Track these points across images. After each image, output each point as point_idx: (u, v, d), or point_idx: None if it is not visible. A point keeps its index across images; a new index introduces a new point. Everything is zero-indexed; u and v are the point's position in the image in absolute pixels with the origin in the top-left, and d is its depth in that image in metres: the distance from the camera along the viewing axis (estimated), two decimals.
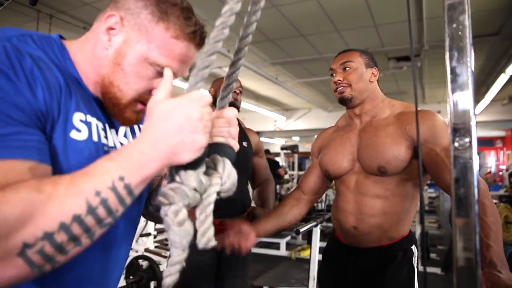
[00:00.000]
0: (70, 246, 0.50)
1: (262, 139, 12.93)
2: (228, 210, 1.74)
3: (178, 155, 0.54)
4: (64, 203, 0.49)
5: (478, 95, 8.05)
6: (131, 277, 2.79)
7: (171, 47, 0.70)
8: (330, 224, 5.66)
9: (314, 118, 10.85)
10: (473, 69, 0.54)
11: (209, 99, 0.58)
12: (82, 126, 0.67)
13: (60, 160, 0.62)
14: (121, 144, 0.79)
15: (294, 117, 11.29)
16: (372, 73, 1.38)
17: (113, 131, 0.78)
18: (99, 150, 0.70)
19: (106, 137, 0.73)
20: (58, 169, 0.61)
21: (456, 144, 0.52)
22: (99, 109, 0.74)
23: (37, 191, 0.49)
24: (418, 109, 1.28)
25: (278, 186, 7.31)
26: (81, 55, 0.73)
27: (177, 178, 0.55)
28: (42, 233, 0.48)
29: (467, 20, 0.54)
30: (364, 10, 4.38)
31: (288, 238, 4.86)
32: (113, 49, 0.70)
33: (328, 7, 4.32)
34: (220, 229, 1.71)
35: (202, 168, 0.56)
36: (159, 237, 3.56)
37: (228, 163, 0.59)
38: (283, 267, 3.83)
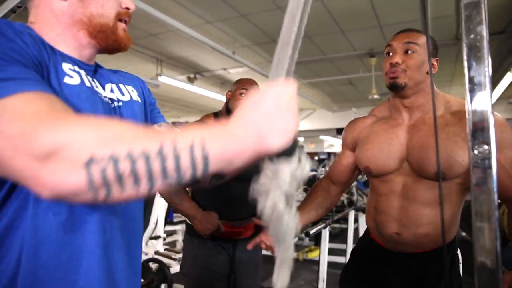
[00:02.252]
0: (130, 181, 0.48)
1: None
2: (239, 213, 1.76)
3: (268, 139, 0.49)
4: (138, 136, 0.49)
5: None
6: (142, 280, 2.82)
7: None
8: (338, 225, 5.65)
9: (319, 118, 10.84)
10: (490, 74, 0.55)
11: (296, 85, 0.56)
12: (73, 73, 0.71)
13: None
14: (110, 99, 0.83)
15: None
16: (433, 64, 1.23)
17: (101, 87, 0.82)
18: (95, 94, 0.75)
19: (97, 87, 0.78)
20: None
21: (475, 152, 0.54)
22: (85, 69, 0.79)
23: (113, 121, 0.52)
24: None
25: None
26: (45, 27, 0.77)
27: (271, 170, 0.51)
28: (109, 154, 0.47)
29: (484, 31, 0.55)
30: (368, 11, 4.39)
31: (296, 239, 4.87)
32: None
33: (333, 8, 4.33)
34: (231, 232, 1.73)
35: (296, 158, 0.52)
36: (169, 240, 3.59)
37: (303, 151, 0.55)
38: (293, 268, 3.84)
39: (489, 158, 0.53)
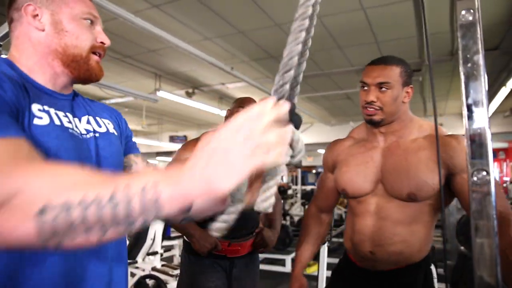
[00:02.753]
0: (81, 229, 0.47)
1: None
2: (236, 231, 1.75)
3: (215, 182, 0.45)
4: (93, 183, 0.49)
5: None
6: None
7: (80, 0, 0.86)
8: (336, 240, 5.63)
9: (317, 132, 10.88)
10: (487, 101, 0.56)
11: (274, 112, 0.47)
12: (42, 114, 0.75)
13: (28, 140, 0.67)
14: (86, 130, 0.86)
15: None
16: (407, 92, 1.28)
17: (76, 119, 0.86)
18: (65, 131, 0.78)
19: (69, 122, 0.82)
20: None
21: (474, 179, 0.54)
22: (59, 102, 0.83)
23: (70, 169, 0.52)
24: (447, 133, 1.26)
25: (282, 202, 7.30)
26: (25, 57, 0.83)
27: None
28: (63, 201, 0.47)
29: (481, 60, 0.56)
30: (365, 27, 4.46)
31: (294, 254, 4.84)
32: (48, 25, 0.83)
33: (330, 24, 4.40)
34: (228, 250, 1.73)
35: (296, 132, 0.51)
36: (166, 255, 3.55)
37: (298, 133, 0.53)
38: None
39: (488, 184, 0.54)
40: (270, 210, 0.51)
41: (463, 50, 0.58)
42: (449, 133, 1.26)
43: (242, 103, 1.85)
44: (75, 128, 0.83)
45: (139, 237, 3.12)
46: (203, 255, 1.66)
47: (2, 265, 0.68)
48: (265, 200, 0.52)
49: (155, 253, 3.27)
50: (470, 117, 0.56)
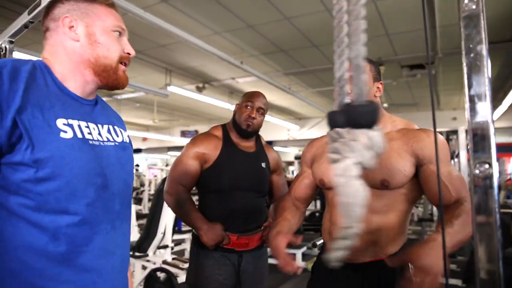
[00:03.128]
0: None
1: (276, 148, 12.92)
2: (245, 225, 1.76)
3: None
4: None
5: (495, 101, 7.92)
6: None
7: (111, 12, 0.94)
8: None
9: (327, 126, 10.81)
10: (490, 90, 0.55)
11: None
12: (67, 128, 0.82)
13: (53, 154, 0.77)
14: (107, 138, 0.93)
15: (307, 126, 11.28)
16: (378, 87, 1.34)
17: (99, 126, 0.93)
18: (85, 143, 0.85)
19: (90, 133, 0.88)
20: (52, 160, 0.77)
21: (476, 171, 0.53)
22: (83, 108, 0.90)
23: None
24: (418, 128, 1.33)
25: None
26: (57, 63, 0.89)
27: (348, 138, 0.48)
28: None
29: (484, 50, 0.55)
30: (376, 19, 4.39)
31: (304, 249, 4.83)
32: (82, 36, 0.89)
33: None
34: (237, 243, 1.74)
35: (374, 129, 0.48)
36: (177, 249, 3.59)
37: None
38: (300, 278, 3.81)
39: (491, 178, 0.53)
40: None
41: (466, 40, 0.56)
42: (419, 128, 1.32)
43: (250, 97, 1.85)
44: (96, 137, 0.90)
45: (150, 231, 3.15)
46: (211, 248, 1.67)
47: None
48: (337, 249, 0.52)
49: (165, 246, 3.30)
50: (472, 108, 0.55)
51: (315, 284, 1.45)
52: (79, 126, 0.86)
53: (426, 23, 0.63)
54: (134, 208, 4.13)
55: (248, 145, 1.87)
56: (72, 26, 0.89)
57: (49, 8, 0.92)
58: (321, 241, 2.34)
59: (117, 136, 0.98)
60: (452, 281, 3.85)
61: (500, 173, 11.61)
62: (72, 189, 0.79)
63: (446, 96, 8.38)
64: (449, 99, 8.66)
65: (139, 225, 4.48)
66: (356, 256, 1.30)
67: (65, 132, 0.81)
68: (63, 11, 0.89)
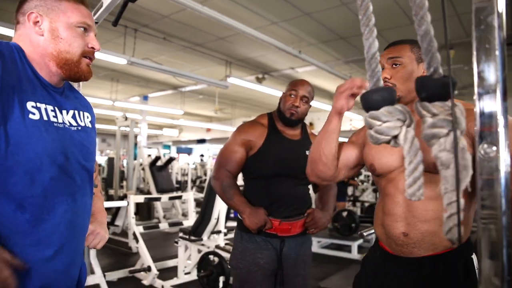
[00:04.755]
0: None
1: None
2: (288, 211, 1.77)
3: None
4: None
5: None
6: (202, 271, 2.96)
7: (77, 9, 1.00)
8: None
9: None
10: (502, 72, 0.51)
11: None
12: (35, 110, 0.92)
13: (22, 132, 0.87)
14: (70, 122, 1.02)
15: None
16: (423, 71, 1.23)
17: (64, 111, 1.02)
18: (51, 125, 0.95)
19: (55, 117, 0.98)
20: (21, 137, 0.87)
21: (482, 152, 0.50)
22: (50, 94, 0.99)
23: None
24: (467, 103, 1.20)
25: (352, 187, 7.10)
26: (27, 52, 0.97)
27: (446, 113, 0.52)
28: None
29: (495, 21, 0.51)
30: (398, 10, 4.09)
31: (361, 241, 4.71)
32: (46, 31, 0.97)
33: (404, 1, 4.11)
34: (279, 228, 1.76)
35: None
36: (230, 236, 3.71)
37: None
38: (353, 270, 3.72)
39: (497, 160, 0.49)
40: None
41: (476, 12, 0.52)
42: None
43: (294, 85, 1.85)
44: (61, 120, 0.99)
45: (205, 216, 3.29)
46: (253, 232, 1.71)
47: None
48: (449, 229, 0.52)
49: (218, 232, 3.43)
50: (480, 85, 0.51)
51: (364, 279, 1.38)
52: (45, 109, 0.95)
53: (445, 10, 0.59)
54: (192, 195, 4.33)
55: (293, 133, 1.88)
56: (38, 21, 0.96)
57: (21, 2, 0.99)
58: (369, 232, 2.27)
59: (81, 121, 1.07)
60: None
61: None
62: (38, 164, 0.90)
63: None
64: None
65: (198, 212, 4.70)
66: (411, 249, 1.20)
67: (33, 114, 0.91)
68: (31, 6, 0.97)
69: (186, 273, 3.50)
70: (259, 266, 1.73)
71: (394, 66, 1.24)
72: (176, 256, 3.76)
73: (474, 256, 1.18)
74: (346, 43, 5.72)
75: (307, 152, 1.86)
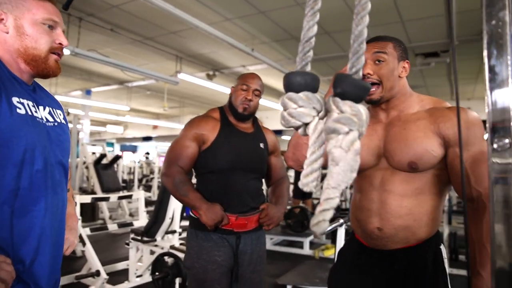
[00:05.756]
0: None
1: (285, 137, 12.87)
2: (243, 206, 1.75)
3: None
4: None
5: None
6: (157, 273, 2.85)
7: (44, 6, 1.01)
8: None
9: None
10: None
11: None
12: (20, 106, 0.95)
13: (11, 126, 0.91)
14: (46, 118, 1.06)
15: None
16: (404, 67, 1.25)
17: (41, 107, 1.05)
18: (34, 120, 0.99)
19: (36, 112, 1.01)
20: (11, 131, 0.91)
21: (494, 146, 0.50)
22: (27, 91, 1.02)
23: None
24: (449, 105, 1.25)
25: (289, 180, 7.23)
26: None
27: (353, 111, 0.47)
28: None
29: (507, 16, 0.51)
30: (390, 6, 4.29)
31: (312, 237, 4.83)
32: (11, 28, 0.98)
33: (353, 4, 4.26)
34: (236, 224, 1.73)
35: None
36: (184, 235, 3.61)
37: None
38: (307, 266, 3.80)
39: (510, 152, 0.49)
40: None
41: (487, 6, 0.52)
42: (449, 106, 1.24)
43: (246, 79, 1.83)
44: (40, 116, 1.02)
45: (158, 216, 3.17)
46: (210, 228, 1.66)
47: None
48: (318, 223, 0.48)
49: (173, 232, 3.32)
50: (492, 79, 0.52)
51: (339, 272, 1.40)
52: (27, 105, 0.99)
53: (451, 8, 0.59)
54: (143, 194, 4.15)
55: (246, 126, 1.87)
56: (2, 19, 0.97)
57: None
58: (329, 228, 2.31)
59: (56, 117, 1.11)
60: (461, 272, 3.80)
61: None
62: (27, 157, 0.93)
63: (461, 86, 8.21)
64: (463, 88, 8.49)
65: (148, 212, 4.51)
66: (385, 243, 1.24)
67: (20, 108, 0.95)
68: None
69: (138, 276, 3.35)
70: (217, 264, 1.69)
71: (377, 62, 1.23)
72: (126, 259, 3.59)
73: (442, 247, 1.25)
74: (298, 43, 5.77)
75: (261, 145, 1.86)
